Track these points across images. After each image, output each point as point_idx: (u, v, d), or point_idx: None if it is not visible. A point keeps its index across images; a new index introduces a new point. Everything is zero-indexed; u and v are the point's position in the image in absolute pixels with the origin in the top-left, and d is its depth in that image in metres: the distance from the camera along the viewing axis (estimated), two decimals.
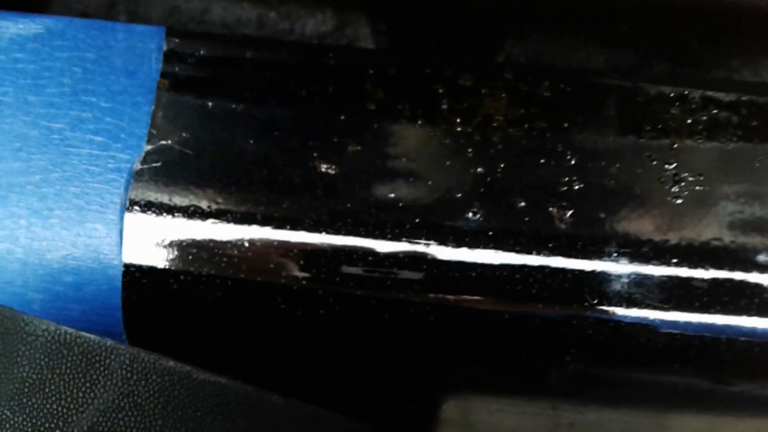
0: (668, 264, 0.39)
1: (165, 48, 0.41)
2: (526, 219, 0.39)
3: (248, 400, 0.29)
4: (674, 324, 0.39)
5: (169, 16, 0.55)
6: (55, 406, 0.30)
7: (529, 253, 0.39)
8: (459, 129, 0.40)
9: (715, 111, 0.41)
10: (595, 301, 0.38)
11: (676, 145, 0.40)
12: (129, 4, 0.55)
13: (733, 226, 0.39)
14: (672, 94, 0.41)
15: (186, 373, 0.30)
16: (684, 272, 0.39)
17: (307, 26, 0.53)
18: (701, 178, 0.40)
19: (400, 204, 0.39)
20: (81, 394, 0.30)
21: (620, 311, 0.38)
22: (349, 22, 0.53)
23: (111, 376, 0.30)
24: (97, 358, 0.30)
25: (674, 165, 0.40)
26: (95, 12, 0.56)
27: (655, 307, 0.38)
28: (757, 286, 0.38)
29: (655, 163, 0.40)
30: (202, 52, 0.42)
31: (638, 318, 0.38)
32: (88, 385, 0.30)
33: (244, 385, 0.30)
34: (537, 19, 0.52)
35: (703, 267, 0.39)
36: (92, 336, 0.30)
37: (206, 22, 0.54)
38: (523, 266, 0.39)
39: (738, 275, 0.38)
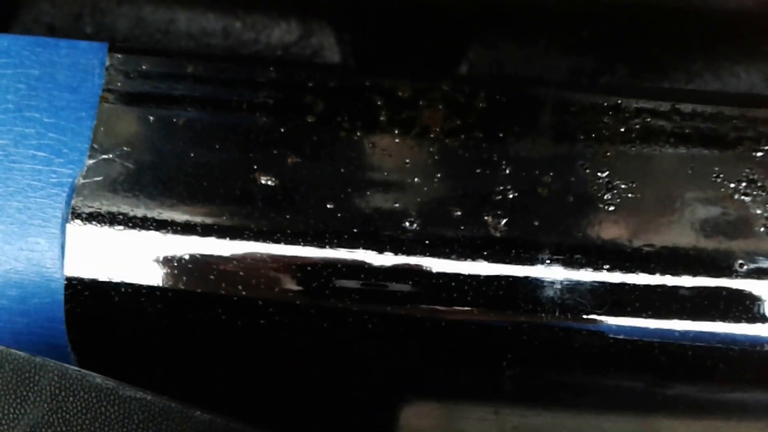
0: (601, 270, 0.39)
1: (107, 63, 0.42)
2: (462, 227, 0.40)
3: (172, 416, 0.30)
4: (607, 328, 0.39)
5: (135, 27, 0.55)
6: None
7: (465, 260, 0.39)
8: (397, 140, 0.41)
9: (647, 119, 0.41)
10: (530, 307, 0.39)
11: (609, 154, 0.41)
12: (95, 16, 0.56)
13: (664, 232, 0.40)
14: (605, 104, 0.42)
15: (112, 389, 0.31)
16: (616, 278, 0.39)
17: (273, 36, 0.54)
18: (633, 185, 0.40)
19: (339, 214, 0.40)
20: (12, 410, 0.31)
21: (554, 317, 0.39)
22: (313, 32, 0.54)
23: (40, 392, 0.31)
24: (27, 375, 0.31)
25: (607, 173, 0.41)
26: (62, 24, 0.56)
27: (588, 312, 0.39)
28: (689, 291, 0.39)
29: (588, 171, 0.41)
30: (144, 67, 0.42)
31: (571, 323, 0.39)
32: (18, 401, 0.31)
33: (169, 402, 0.31)
34: (500, 28, 0.53)
35: (634, 272, 0.39)
36: (22, 353, 0.31)
37: (172, 33, 0.55)
38: (459, 274, 0.39)
39: (669, 280, 0.39)
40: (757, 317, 0.39)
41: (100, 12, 0.55)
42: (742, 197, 0.40)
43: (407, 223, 0.40)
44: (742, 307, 0.39)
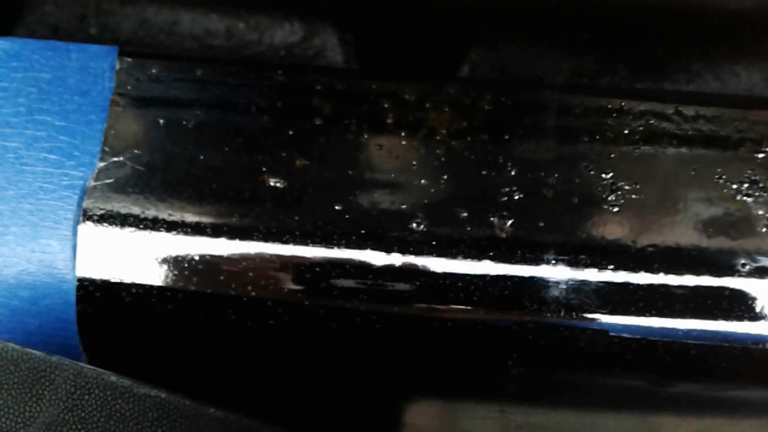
0: (605, 270, 0.40)
1: (117, 67, 0.43)
2: (468, 228, 0.40)
3: (187, 413, 0.31)
4: (612, 328, 0.40)
5: (138, 29, 0.56)
6: (3, 420, 0.31)
7: (471, 261, 0.40)
8: (403, 142, 0.41)
9: (651, 121, 0.42)
10: (535, 307, 0.40)
11: (612, 155, 0.41)
12: (99, 17, 0.56)
13: (667, 232, 0.40)
14: (609, 106, 0.42)
15: (127, 387, 0.31)
16: (620, 277, 0.40)
17: (275, 37, 0.54)
18: (637, 187, 0.41)
19: (347, 216, 0.40)
20: (28, 409, 0.31)
21: (558, 316, 0.40)
22: (316, 33, 0.54)
23: (56, 391, 0.31)
24: (43, 373, 0.32)
25: (611, 174, 0.41)
26: (66, 25, 0.57)
27: (592, 312, 0.40)
28: (692, 290, 0.40)
29: (592, 172, 0.41)
30: (153, 71, 0.43)
31: (576, 323, 0.40)
32: (34, 399, 0.31)
33: (183, 399, 0.31)
34: (502, 29, 0.53)
35: (638, 272, 0.40)
36: (38, 352, 0.32)
37: (175, 34, 0.55)
38: (465, 274, 0.40)
39: (672, 280, 0.40)
40: (759, 316, 0.40)
41: (104, 13, 0.56)
42: (745, 198, 0.41)
43: (414, 224, 0.40)
44: (745, 306, 0.40)
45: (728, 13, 0.47)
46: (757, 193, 0.41)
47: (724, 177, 0.41)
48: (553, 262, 0.40)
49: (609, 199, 0.41)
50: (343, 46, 0.54)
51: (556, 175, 0.41)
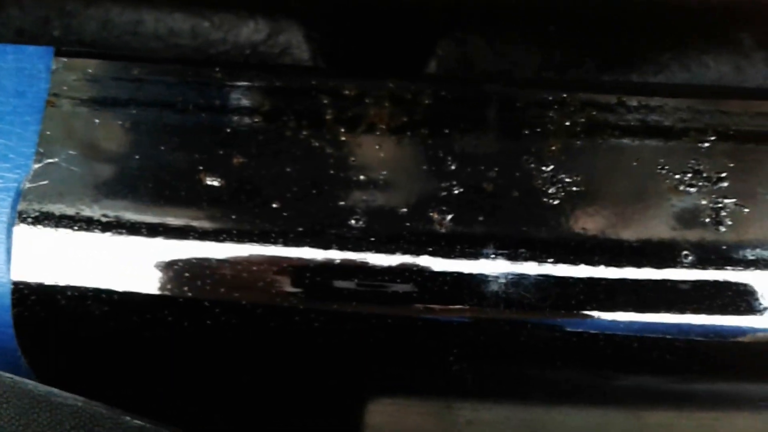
0: (544, 263, 0.39)
1: (53, 67, 0.42)
2: (407, 224, 0.40)
3: (102, 422, 0.30)
4: (552, 322, 0.40)
5: (102, 30, 0.55)
6: None
7: (410, 256, 0.40)
8: (343, 138, 0.41)
9: (592, 113, 0.41)
10: (474, 302, 0.39)
11: (553, 148, 0.41)
12: (63, 19, 0.56)
13: (608, 224, 0.40)
14: (550, 98, 0.42)
15: (44, 396, 0.31)
16: (561, 271, 0.39)
17: (241, 35, 0.54)
18: (578, 179, 0.40)
19: (285, 213, 0.40)
20: None
21: (498, 311, 0.39)
22: (282, 30, 0.54)
23: None
24: None
25: (551, 167, 0.41)
26: (31, 27, 0.56)
27: (532, 306, 0.39)
28: (633, 283, 0.39)
29: (532, 165, 0.41)
30: (89, 70, 0.42)
31: (516, 317, 0.39)
32: None
33: (100, 408, 0.31)
34: (469, 22, 0.53)
35: (578, 265, 0.39)
36: None
37: (140, 34, 0.55)
38: (404, 270, 0.40)
39: (613, 272, 0.39)
40: (701, 308, 0.39)
41: (68, 15, 0.55)
42: (688, 188, 0.40)
43: (353, 221, 0.40)
44: (688, 298, 0.39)
45: (696, 2, 0.46)
46: (700, 183, 0.40)
47: (666, 167, 0.41)
48: (493, 256, 0.39)
49: (549, 191, 0.40)
50: (309, 43, 0.53)
51: (497, 169, 0.40)
